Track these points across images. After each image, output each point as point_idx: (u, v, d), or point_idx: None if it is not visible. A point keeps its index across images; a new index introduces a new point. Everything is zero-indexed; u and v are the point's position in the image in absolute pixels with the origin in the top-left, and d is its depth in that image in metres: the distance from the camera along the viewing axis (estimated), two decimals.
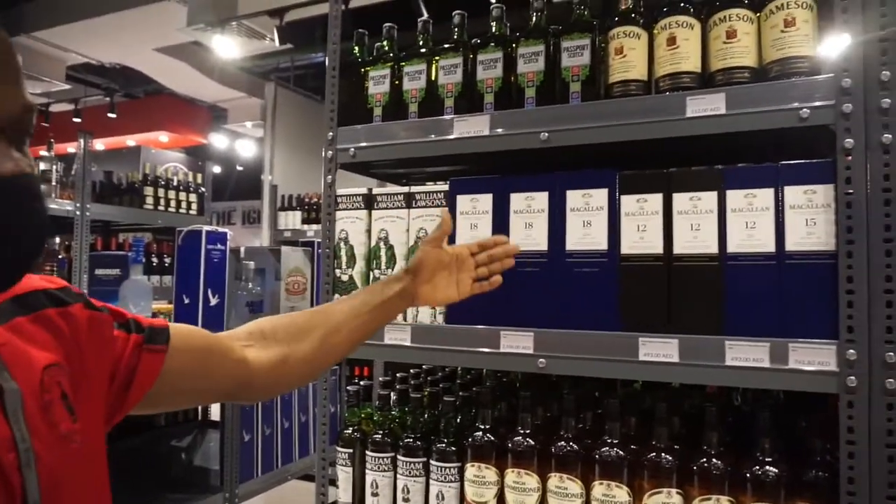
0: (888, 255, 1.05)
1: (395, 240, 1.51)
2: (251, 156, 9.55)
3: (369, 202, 1.55)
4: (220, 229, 2.85)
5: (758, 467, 1.12)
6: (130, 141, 8.28)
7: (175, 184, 4.21)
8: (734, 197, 1.17)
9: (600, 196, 1.29)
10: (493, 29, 1.50)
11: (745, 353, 1.11)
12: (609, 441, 1.24)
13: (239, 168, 10.31)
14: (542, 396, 1.47)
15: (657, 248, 1.23)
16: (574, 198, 1.31)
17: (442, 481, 1.37)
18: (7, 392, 0.62)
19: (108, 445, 0.77)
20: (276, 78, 6.92)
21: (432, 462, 1.40)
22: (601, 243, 1.28)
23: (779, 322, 1.13)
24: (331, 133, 1.57)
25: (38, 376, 0.66)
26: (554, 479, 1.27)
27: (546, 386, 1.66)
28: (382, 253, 1.52)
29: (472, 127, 1.39)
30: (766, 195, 1.16)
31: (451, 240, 1.42)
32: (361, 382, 1.62)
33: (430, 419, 1.48)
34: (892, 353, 1.03)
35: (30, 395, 0.64)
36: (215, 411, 2.91)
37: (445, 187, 1.47)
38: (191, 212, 4.29)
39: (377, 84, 1.57)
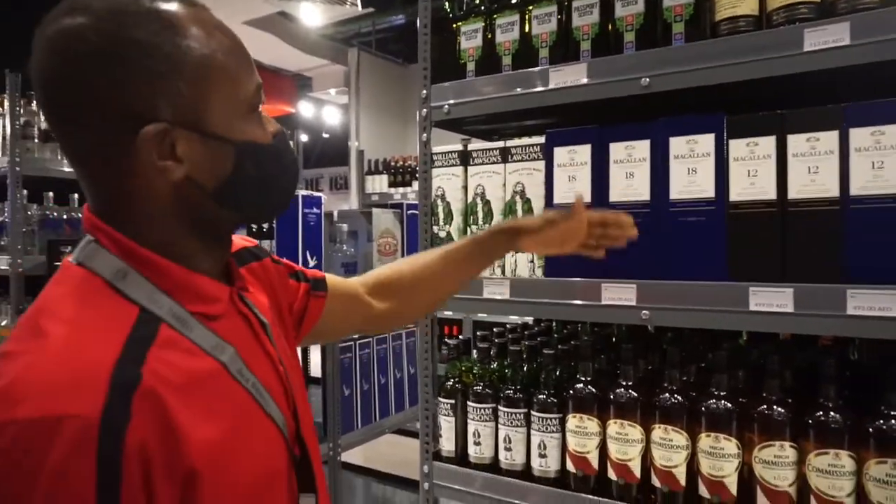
0: None
1: (492, 195, 1.52)
2: (336, 123, 9.76)
3: (465, 158, 1.56)
4: (315, 193, 2.96)
5: (882, 421, 1.06)
6: None
7: None
8: (859, 135, 1.09)
9: (706, 141, 1.24)
10: None
11: (870, 302, 1.04)
12: (716, 393, 1.21)
13: (325, 135, 10.56)
14: (643, 349, 1.46)
15: (770, 193, 1.17)
16: (678, 144, 1.27)
17: (543, 431, 1.40)
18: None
19: None
20: (359, 43, 6.98)
21: (533, 413, 1.42)
22: (708, 191, 1.23)
23: None
24: (424, 91, 1.58)
25: (269, 313, 0.83)
26: (658, 431, 1.26)
27: (645, 339, 1.64)
28: (479, 208, 1.53)
29: (568, 76, 1.36)
30: None
31: (550, 192, 1.41)
32: (460, 336, 1.66)
33: (530, 372, 1.50)
34: None
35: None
36: (315, 368, 3.06)
37: (541, 140, 1.45)
38: None
39: (469, 39, 1.56)
